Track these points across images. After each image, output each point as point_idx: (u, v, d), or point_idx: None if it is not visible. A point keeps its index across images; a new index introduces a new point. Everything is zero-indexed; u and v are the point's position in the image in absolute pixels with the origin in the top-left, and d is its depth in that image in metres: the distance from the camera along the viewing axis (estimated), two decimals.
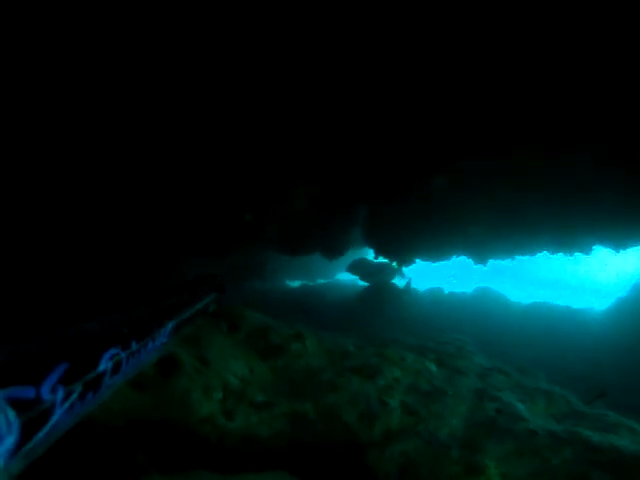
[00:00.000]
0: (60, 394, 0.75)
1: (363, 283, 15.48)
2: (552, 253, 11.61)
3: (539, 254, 12.08)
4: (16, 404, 0.65)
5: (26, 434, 0.67)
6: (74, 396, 0.78)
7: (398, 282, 15.35)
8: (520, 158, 6.73)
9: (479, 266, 12.64)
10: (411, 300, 14.26)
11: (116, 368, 0.95)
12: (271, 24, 4.24)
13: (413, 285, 15.71)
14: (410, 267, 14.39)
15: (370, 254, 14.23)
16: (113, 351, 0.96)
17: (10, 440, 0.64)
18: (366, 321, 10.54)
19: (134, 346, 1.09)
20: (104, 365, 0.91)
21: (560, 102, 5.26)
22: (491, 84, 5.08)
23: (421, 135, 5.92)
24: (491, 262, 12.64)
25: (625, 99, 5.05)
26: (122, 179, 5.78)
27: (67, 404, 0.76)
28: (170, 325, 1.38)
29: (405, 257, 11.99)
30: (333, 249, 11.07)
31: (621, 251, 10.49)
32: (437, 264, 14.46)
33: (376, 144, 6.11)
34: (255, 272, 15.22)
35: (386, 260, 12.91)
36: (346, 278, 22.00)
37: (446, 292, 17.04)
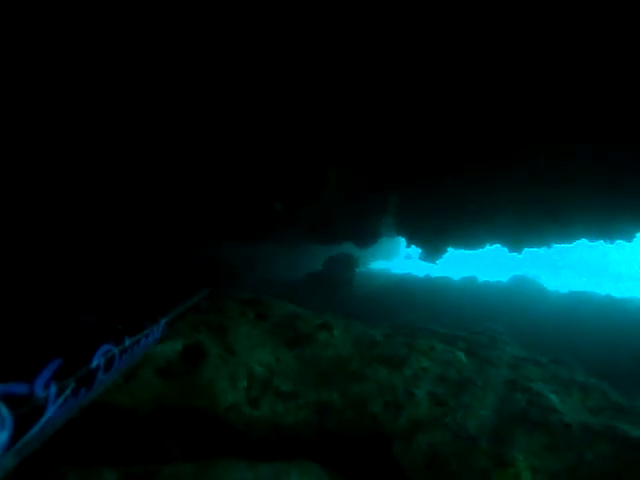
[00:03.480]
0: (53, 390, 0.76)
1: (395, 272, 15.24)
2: (591, 240, 11.15)
3: (577, 242, 11.62)
4: (9, 400, 0.66)
5: (19, 430, 0.68)
6: (67, 392, 0.80)
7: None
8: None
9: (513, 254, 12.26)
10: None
11: (109, 364, 0.97)
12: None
13: (449, 274, 15.49)
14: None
15: (402, 242, 14.05)
16: (106, 347, 0.98)
17: (3, 436, 0.65)
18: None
19: (127, 343, 1.11)
20: (97, 361, 0.92)
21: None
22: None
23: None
24: (526, 250, 12.23)
25: None
26: (154, 166, 5.85)
27: (60, 400, 0.77)
28: (163, 322, 1.39)
29: (437, 245, 11.78)
30: (364, 238, 10.98)
31: None
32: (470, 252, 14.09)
33: (415, 126, 5.98)
34: (285, 261, 15.31)
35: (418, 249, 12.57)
36: (378, 267, 21.89)
37: (480, 280, 16.75)
